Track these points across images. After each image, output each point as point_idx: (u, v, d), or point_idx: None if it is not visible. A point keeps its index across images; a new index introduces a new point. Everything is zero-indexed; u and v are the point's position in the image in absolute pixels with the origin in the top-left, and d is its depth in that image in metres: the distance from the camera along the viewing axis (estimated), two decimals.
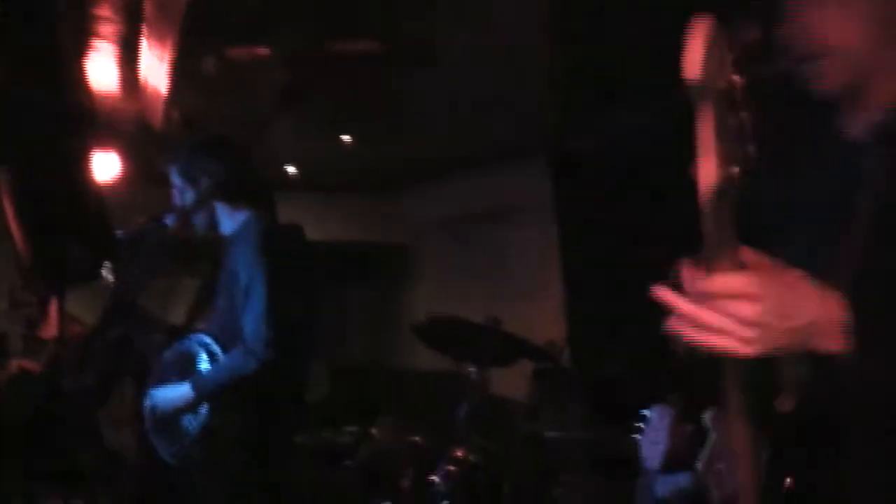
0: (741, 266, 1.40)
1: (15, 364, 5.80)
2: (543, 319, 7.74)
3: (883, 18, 1.65)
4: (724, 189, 1.38)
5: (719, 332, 1.40)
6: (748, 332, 1.38)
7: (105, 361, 5.88)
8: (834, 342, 1.42)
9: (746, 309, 1.37)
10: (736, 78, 1.37)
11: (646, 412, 3.67)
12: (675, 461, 3.62)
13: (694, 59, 1.36)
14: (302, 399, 4.00)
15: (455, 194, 9.69)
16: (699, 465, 2.99)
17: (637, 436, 3.65)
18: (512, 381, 5.94)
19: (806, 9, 1.67)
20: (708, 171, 1.40)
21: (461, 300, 8.87)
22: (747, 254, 1.42)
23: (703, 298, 1.40)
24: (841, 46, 1.66)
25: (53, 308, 5.96)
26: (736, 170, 1.37)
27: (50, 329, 5.92)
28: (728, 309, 1.38)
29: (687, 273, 1.45)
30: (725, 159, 1.38)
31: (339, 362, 10.10)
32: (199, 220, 3.89)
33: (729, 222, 1.40)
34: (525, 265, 8.74)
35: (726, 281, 1.39)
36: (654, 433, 3.60)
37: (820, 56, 1.68)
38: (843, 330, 1.42)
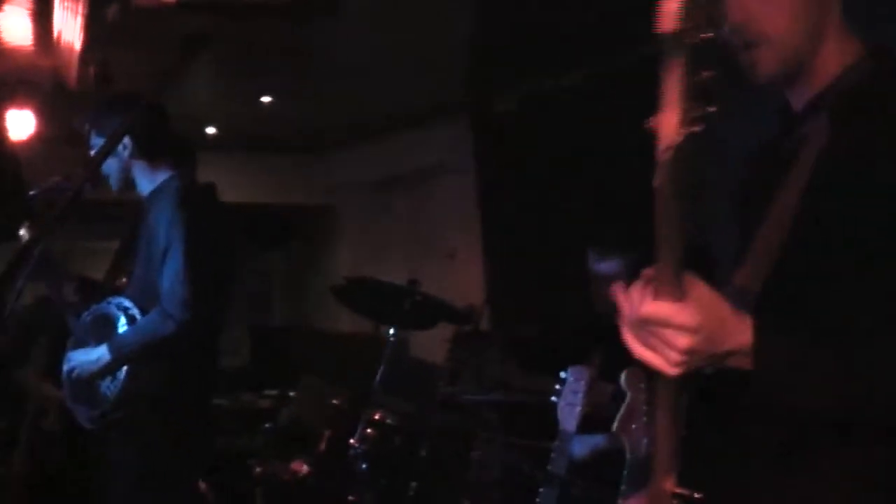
0: (682, 290, 1.50)
1: None
2: (464, 281, 7.78)
3: (809, 7, 1.76)
4: (682, 147, 1.41)
5: (653, 350, 1.55)
6: (677, 358, 1.52)
7: (22, 324, 5.81)
8: (743, 364, 1.58)
9: (681, 340, 1.51)
10: (708, 35, 1.39)
11: (563, 374, 3.73)
12: (592, 422, 3.67)
13: (671, 8, 1.38)
14: (220, 362, 3.97)
15: (376, 155, 9.67)
16: (615, 426, 3.04)
17: (554, 398, 3.70)
18: (431, 344, 5.97)
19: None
20: (669, 126, 1.41)
21: (382, 262, 8.90)
22: (689, 280, 1.51)
23: (646, 320, 1.53)
24: (773, 35, 1.75)
25: None
26: (696, 128, 1.40)
27: None
28: (665, 336, 1.52)
29: (635, 292, 1.57)
30: (687, 116, 1.40)
31: (260, 325, 10.11)
32: (116, 179, 3.82)
33: (681, 197, 1.45)
34: (445, 227, 8.77)
35: (667, 311, 1.50)
36: (571, 395, 3.65)
37: (755, 45, 1.75)
38: (750, 354, 1.56)
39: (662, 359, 1.54)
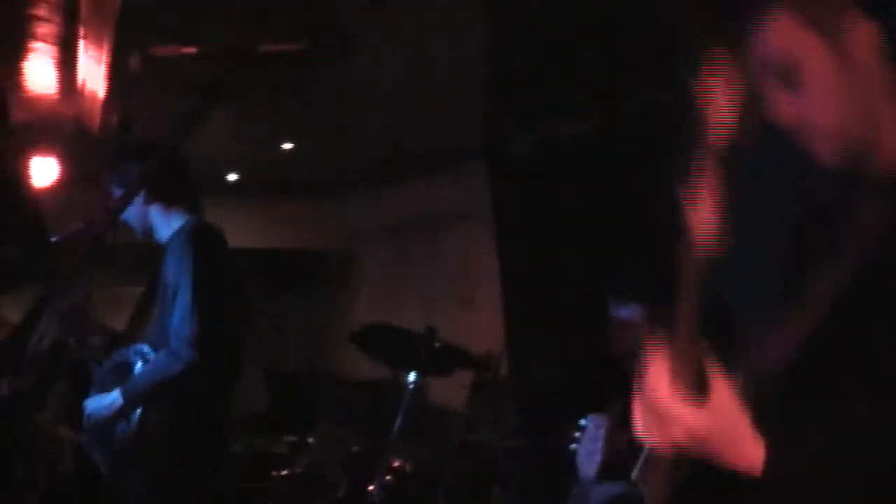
0: (703, 385, 1.44)
1: None
2: (481, 327, 7.76)
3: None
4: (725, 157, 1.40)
5: (652, 431, 1.49)
6: (672, 451, 1.47)
7: (40, 367, 5.82)
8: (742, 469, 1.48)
9: (682, 440, 1.45)
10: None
11: (582, 421, 3.71)
12: (611, 471, 3.65)
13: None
14: (234, 407, 3.97)
15: (393, 200, 9.66)
16: (634, 475, 3.02)
17: (573, 445, 3.68)
18: (449, 391, 5.95)
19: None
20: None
21: (399, 308, 8.88)
22: (716, 382, 1.45)
23: (655, 407, 1.47)
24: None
25: None
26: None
27: None
28: (668, 429, 1.45)
29: (653, 372, 1.49)
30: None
31: (277, 370, 10.08)
32: (137, 226, 3.85)
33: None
34: (463, 272, 8.75)
35: (679, 412, 1.44)
36: (590, 442, 3.63)
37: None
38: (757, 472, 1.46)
39: (659, 442, 1.49)
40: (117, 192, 3.81)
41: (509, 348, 7.17)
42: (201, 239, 3.73)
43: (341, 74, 6.22)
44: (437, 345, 4.46)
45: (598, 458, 3.58)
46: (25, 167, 6.62)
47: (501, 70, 6.33)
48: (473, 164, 8.25)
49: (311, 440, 5.90)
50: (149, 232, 3.87)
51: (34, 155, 6.59)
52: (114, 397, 3.62)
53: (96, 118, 6.24)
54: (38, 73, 6.01)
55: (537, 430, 5.43)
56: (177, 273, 3.61)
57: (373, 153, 8.51)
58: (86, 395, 3.82)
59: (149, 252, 4.01)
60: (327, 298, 10.98)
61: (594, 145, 6.69)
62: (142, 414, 3.60)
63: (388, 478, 4.33)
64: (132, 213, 3.81)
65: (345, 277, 10.77)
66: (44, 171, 6.70)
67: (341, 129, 7.75)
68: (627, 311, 4.21)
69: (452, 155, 8.25)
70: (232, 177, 9.36)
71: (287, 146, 8.19)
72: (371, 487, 4.31)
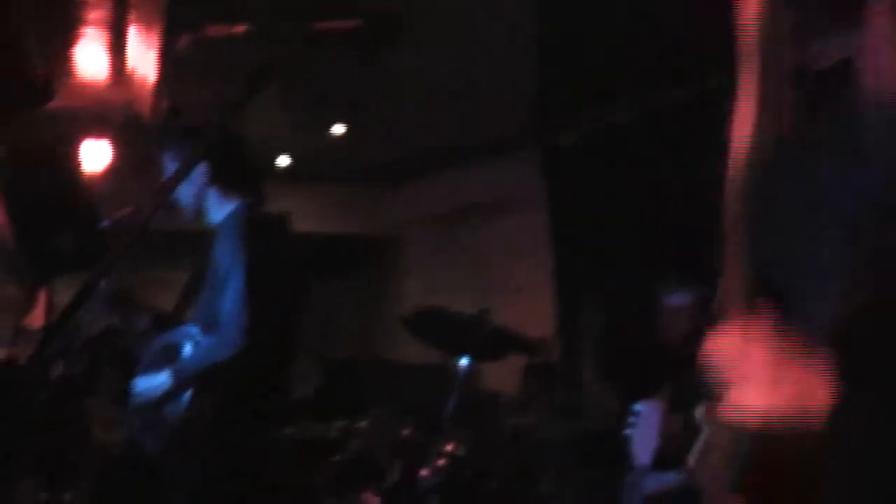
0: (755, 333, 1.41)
1: (2, 354, 5.76)
2: (533, 314, 7.70)
3: None
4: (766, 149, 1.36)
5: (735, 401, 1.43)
6: (756, 417, 1.42)
7: (91, 352, 5.84)
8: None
9: (762, 406, 1.40)
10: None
11: (637, 407, 3.66)
12: (666, 457, 3.59)
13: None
14: (286, 392, 3.94)
15: (445, 187, 9.64)
16: (690, 462, 2.97)
17: (628, 431, 3.63)
18: (501, 375, 5.91)
19: None
20: (749, 123, 1.36)
21: (450, 294, 8.84)
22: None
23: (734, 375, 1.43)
24: None
25: (41, 298, 5.90)
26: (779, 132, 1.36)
27: (37, 319, 5.86)
28: (747, 399, 1.41)
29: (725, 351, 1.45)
30: (772, 117, 1.36)
31: (328, 355, 10.09)
32: (189, 208, 3.83)
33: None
34: (513, 261, 8.71)
35: (755, 381, 1.41)
36: (644, 429, 3.58)
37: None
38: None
39: (737, 413, 1.45)
40: (170, 170, 3.79)
41: (561, 334, 7.12)
42: (256, 224, 3.70)
43: (393, 60, 6.15)
44: (491, 328, 4.42)
45: (652, 444, 3.53)
46: (77, 153, 6.64)
47: (552, 58, 6.27)
48: (524, 153, 8.21)
49: (361, 425, 5.86)
50: (200, 214, 3.84)
51: (85, 141, 6.61)
52: (163, 379, 3.60)
53: (147, 103, 6.24)
54: (89, 58, 6.01)
55: (590, 415, 5.39)
56: (229, 257, 3.58)
57: (424, 140, 8.49)
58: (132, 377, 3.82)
59: (194, 237, 3.99)
60: (377, 284, 10.98)
61: (644, 132, 6.63)
62: (192, 397, 3.58)
63: (440, 462, 4.29)
64: (186, 194, 3.78)
65: (396, 263, 10.77)
66: (95, 156, 6.71)
67: (394, 114, 7.73)
68: (678, 298, 4.16)
69: (503, 143, 8.21)
70: (283, 161, 9.34)
71: (338, 131, 8.16)
72: (423, 472, 4.27)
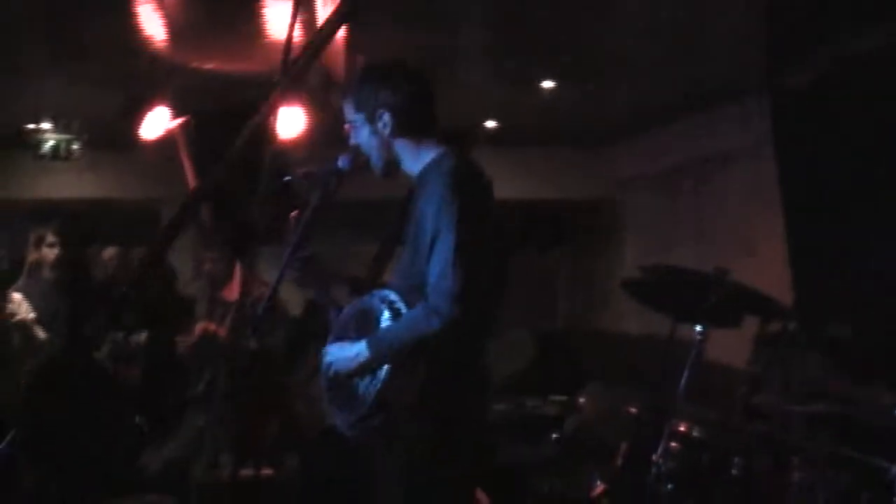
0: None
1: (200, 327, 5.72)
2: (765, 279, 7.09)
3: None
4: None
5: None
6: None
7: (292, 330, 5.72)
8: None
9: None
10: None
11: None
12: None
13: None
14: (497, 368, 3.51)
15: (661, 144, 9.26)
16: None
17: None
18: (726, 345, 5.38)
19: None
20: None
21: (670, 259, 8.35)
22: None
23: None
24: None
25: (237, 270, 5.79)
26: None
27: (234, 291, 5.77)
28: None
29: None
30: None
31: (542, 327, 9.81)
32: (377, 160, 3.44)
33: None
34: (742, 219, 8.14)
35: None
36: None
37: None
38: None
39: None
40: (353, 119, 3.44)
41: (798, 298, 6.51)
42: (466, 180, 3.27)
43: (608, 9, 5.80)
44: (730, 288, 3.88)
45: None
46: (274, 121, 6.46)
47: None
48: (745, 101, 7.66)
49: (581, 400, 5.46)
50: (391, 167, 3.44)
51: (281, 107, 6.40)
52: (359, 349, 3.23)
53: (340, 61, 5.94)
54: (278, 20, 5.76)
55: (839, 393, 4.76)
56: (436, 217, 3.18)
57: (640, 92, 8.01)
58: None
59: (383, 208, 3.69)
60: (594, 251, 10.66)
61: (881, 66, 5.92)
62: (390, 371, 3.18)
63: (674, 445, 3.80)
64: (372, 144, 3.42)
65: (610, 228, 10.39)
66: (291, 122, 6.51)
67: (608, 67, 7.28)
68: None
69: (726, 91, 7.69)
70: (490, 124, 9.05)
71: (549, 86, 7.73)
72: (655, 456, 3.79)
